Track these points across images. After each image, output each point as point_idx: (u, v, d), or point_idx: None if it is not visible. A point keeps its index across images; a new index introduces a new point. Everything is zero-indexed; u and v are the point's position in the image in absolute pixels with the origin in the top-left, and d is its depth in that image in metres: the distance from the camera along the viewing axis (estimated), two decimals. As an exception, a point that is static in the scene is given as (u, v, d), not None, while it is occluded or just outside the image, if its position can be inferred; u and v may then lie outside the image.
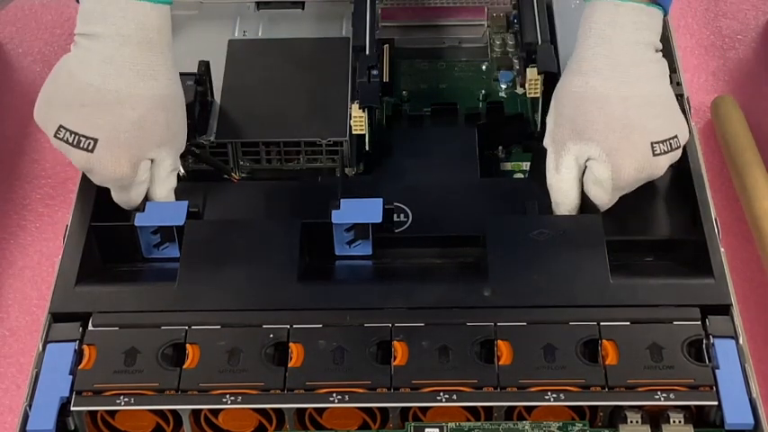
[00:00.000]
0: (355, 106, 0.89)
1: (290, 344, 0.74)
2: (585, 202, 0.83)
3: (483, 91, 1.00)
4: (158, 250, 0.82)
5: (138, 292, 0.78)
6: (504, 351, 0.73)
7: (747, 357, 0.73)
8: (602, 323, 0.74)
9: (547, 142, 0.83)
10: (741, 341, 0.73)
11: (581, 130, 0.80)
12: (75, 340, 0.75)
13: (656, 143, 0.80)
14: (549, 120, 0.84)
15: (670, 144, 0.80)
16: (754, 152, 1.01)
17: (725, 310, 0.75)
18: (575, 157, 0.81)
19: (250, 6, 1.04)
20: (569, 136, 0.81)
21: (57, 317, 0.76)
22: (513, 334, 0.74)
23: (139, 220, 0.80)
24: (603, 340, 0.73)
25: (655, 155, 0.80)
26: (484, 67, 1.03)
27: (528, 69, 0.92)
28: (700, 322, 0.74)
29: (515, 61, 1.02)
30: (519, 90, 1.00)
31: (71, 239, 0.80)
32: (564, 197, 0.82)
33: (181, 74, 0.90)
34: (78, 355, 0.74)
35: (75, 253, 0.80)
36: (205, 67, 0.92)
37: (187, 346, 0.74)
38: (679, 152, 0.82)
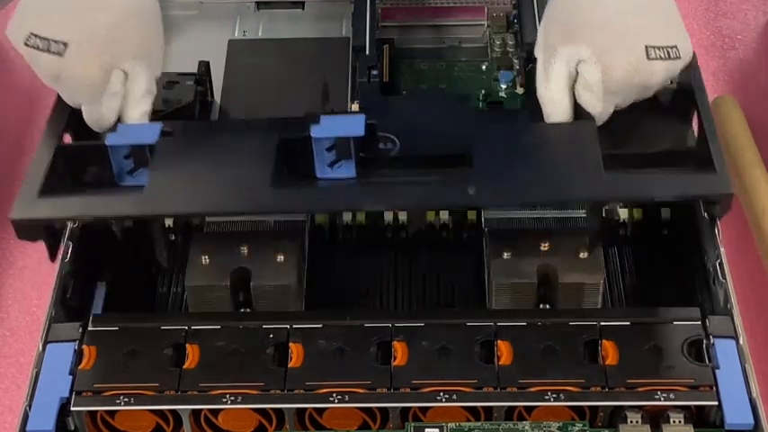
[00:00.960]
0: (355, 106, 0.89)
1: (290, 344, 0.74)
2: (579, 115, 0.79)
3: (483, 91, 1.00)
4: (131, 177, 0.78)
5: (107, 199, 0.75)
6: (504, 351, 0.73)
7: (747, 357, 0.73)
8: (602, 323, 0.74)
9: (537, 51, 0.80)
10: (741, 341, 0.73)
11: (572, 31, 0.77)
12: (75, 340, 0.75)
13: (651, 47, 0.76)
14: (539, 29, 0.81)
15: (668, 52, 0.76)
16: (754, 152, 1.01)
17: (727, 201, 0.72)
18: (565, 62, 0.77)
19: (250, 6, 1.04)
20: (559, 40, 0.78)
21: (20, 227, 0.73)
22: (513, 334, 0.74)
23: (111, 140, 0.76)
24: (603, 340, 0.73)
25: (649, 58, 0.75)
26: (484, 67, 1.03)
27: (528, 69, 0.92)
28: (700, 322, 0.74)
29: (515, 61, 1.02)
30: (519, 90, 1.00)
31: (38, 159, 0.76)
32: (555, 108, 0.78)
33: (181, 74, 0.90)
34: (78, 355, 0.74)
35: (40, 170, 0.76)
36: (205, 67, 0.92)
37: (187, 346, 0.74)
38: (679, 65, 0.78)
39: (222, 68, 0.96)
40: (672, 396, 0.71)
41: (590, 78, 0.76)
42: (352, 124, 0.75)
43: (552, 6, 0.81)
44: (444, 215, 0.88)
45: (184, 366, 0.73)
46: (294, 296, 0.79)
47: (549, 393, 0.71)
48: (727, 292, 0.77)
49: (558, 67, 0.78)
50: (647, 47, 0.76)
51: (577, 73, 0.78)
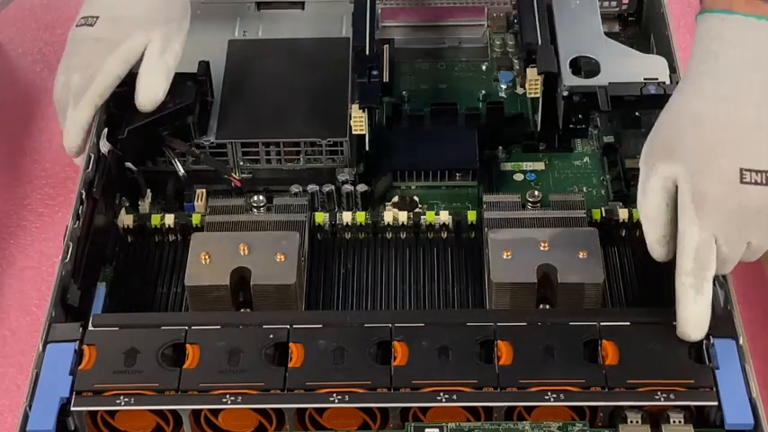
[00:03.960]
0: (355, 106, 0.89)
1: (290, 344, 0.74)
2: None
3: (483, 91, 1.00)
4: None
5: None
6: (504, 351, 0.73)
7: (747, 357, 0.73)
8: (602, 323, 0.74)
9: (640, 162, 0.76)
10: (741, 341, 0.73)
11: (671, 149, 0.74)
12: (75, 340, 0.74)
13: (746, 170, 0.72)
14: (648, 139, 0.77)
15: (766, 176, 0.72)
16: (754, 152, 1.00)
17: None
18: (662, 178, 0.74)
19: (250, 6, 1.04)
20: (659, 156, 0.74)
21: None
22: (513, 334, 0.74)
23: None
24: (603, 340, 0.73)
25: (743, 182, 0.71)
26: (484, 67, 1.03)
27: (528, 70, 0.92)
28: (700, 322, 0.74)
29: (515, 61, 1.03)
30: (519, 90, 1.00)
31: None
32: (649, 226, 0.75)
33: (181, 74, 0.90)
34: (78, 355, 0.74)
35: None
36: (205, 67, 0.92)
37: (187, 346, 0.74)
38: None
39: (222, 68, 0.96)
40: (672, 396, 0.71)
41: (684, 196, 0.73)
42: None
43: (661, 117, 0.77)
44: (444, 215, 0.88)
45: (184, 366, 0.73)
46: (294, 296, 0.79)
47: (549, 393, 0.71)
48: (727, 293, 0.77)
49: (653, 182, 0.74)
50: (741, 170, 0.72)
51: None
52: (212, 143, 0.91)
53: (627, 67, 0.92)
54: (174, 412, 0.73)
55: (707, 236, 0.72)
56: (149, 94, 0.87)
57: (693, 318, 0.73)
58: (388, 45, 0.99)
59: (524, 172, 0.94)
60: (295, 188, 0.91)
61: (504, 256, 0.79)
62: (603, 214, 0.88)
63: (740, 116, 0.74)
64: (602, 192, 0.92)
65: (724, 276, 0.77)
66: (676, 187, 0.74)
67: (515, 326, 0.74)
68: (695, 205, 0.72)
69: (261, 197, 0.87)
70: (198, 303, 0.80)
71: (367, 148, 0.91)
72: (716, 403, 0.71)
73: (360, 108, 0.88)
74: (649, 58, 0.94)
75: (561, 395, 0.71)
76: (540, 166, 0.94)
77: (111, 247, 0.88)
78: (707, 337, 0.73)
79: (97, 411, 0.72)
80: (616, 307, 0.83)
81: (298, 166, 0.92)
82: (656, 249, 0.75)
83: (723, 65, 0.75)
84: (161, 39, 0.88)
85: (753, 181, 0.72)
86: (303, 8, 1.04)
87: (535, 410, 0.72)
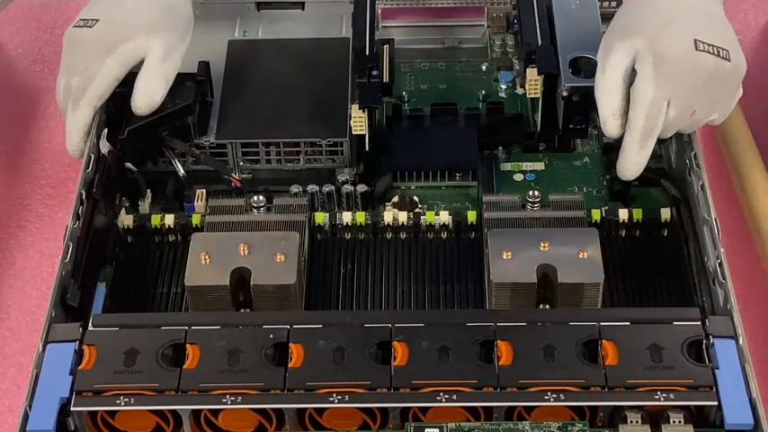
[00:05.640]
0: (355, 106, 0.89)
1: (290, 344, 0.74)
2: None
3: (483, 91, 1.00)
4: None
5: None
6: (504, 351, 0.73)
7: (747, 358, 0.73)
8: (602, 323, 0.74)
9: (598, 55, 0.85)
10: (741, 341, 0.73)
11: (629, 28, 0.83)
12: (75, 340, 0.74)
13: (700, 41, 0.81)
14: (603, 38, 0.86)
15: (717, 50, 0.81)
16: (754, 152, 1.01)
17: None
18: (623, 54, 0.82)
19: (250, 6, 1.04)
20: (618, 37, 0.83)
21: None
22: (513, 334, 0.74)
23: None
24: (603, 340, 0.73)
25: (698, 49, 0.81)
26: (484, 68, 1.03)
27: (528, 70, 0.92)
28: (700, 322, 0.74)
29: (515, 61, 1.03)
30: (519, 90, 1.00)
31: None
32: (605, 98, 0.83)
33: (181, 74, 0.90)
34: (78, 355, 0.74)
35: None
36: (205, 67, 0.92)
37: (187, 346, 0.74)
38: (727, 68, 0.82)
39: (222, 68, 0.96)
40: (672, 396, 0.71)
41: (643, 62, 0.81)
42: None
43: (617, 15, 0.87)
44: (444, 215, 0.88)
45: (184, 366, 0.73)
46: (294, 296, 0.79)
47: (549, 393, 0.71)
48: (727, 293, 0.77)
49: (613, 59, 0.83)
50: (695, 40, 0.81)
51: (634, 72, 0.82)
52: (212, 143, 0.91)
53: (627, 67, 0.92)
54: (174, 412, 0.73)
55: (660, 97, 0.81)
56: (146, 98, 0.87)
57: (634, 165, 0.84)
58: (388, 45, 0.99)
59: (524, 172, 0.94)
60: (295, 188, 0.91)
61: (504, 256, 0.79)
62: (603, 214, 0.88)
63: (692, 4, 0.84)
64: (602, 192, 0.92)
65: (724, 276, 0.77)
66: (633, 66, 0.82)
67: (515, 326, 0.74)
68: (654, 67, 0.80)
69: (261, 197, 0.87)
70: (198, 303, 0.80)
71: (367, 148, 0.91)
72: (716, 403, 0.70)
73: (360, 108, 0.88)
74: (649, 58, 0.94)
75: (561, 395, 0.71)
76: (540, 166, 0.94)
77: (111, 247, 0.88)
78: (707, 336, 0.73)
79: (97, 411, 0.72)
80: (616, 307, 0.83)
81: (298, 166, 0.92)
82: (610, 122, 0.83)
83: None
84: (163, 46, 0.88)
85: (706, 50, 0.81)
86: (303, 8, 1.04)
87: (535, 410, 0.72)
